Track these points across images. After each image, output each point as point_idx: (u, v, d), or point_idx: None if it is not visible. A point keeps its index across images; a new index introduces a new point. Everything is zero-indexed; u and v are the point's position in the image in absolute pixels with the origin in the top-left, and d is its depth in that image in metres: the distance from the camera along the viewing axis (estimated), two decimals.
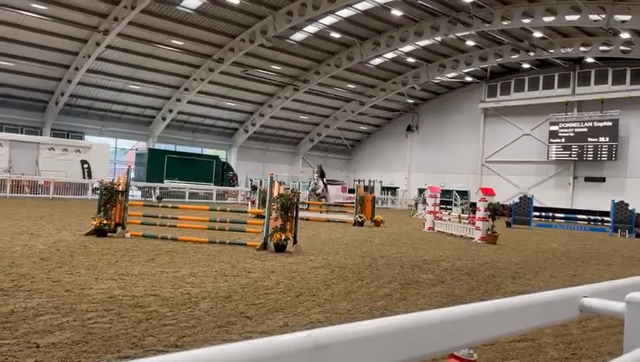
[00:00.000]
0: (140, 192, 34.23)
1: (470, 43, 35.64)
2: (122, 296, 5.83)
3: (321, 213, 23.07)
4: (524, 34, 32.73)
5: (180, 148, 42.01)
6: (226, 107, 42.22)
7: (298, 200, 11.46)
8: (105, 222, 11.60)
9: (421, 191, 38.21)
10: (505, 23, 30.08)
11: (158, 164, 36.12)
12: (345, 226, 19.50)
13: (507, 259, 11.79)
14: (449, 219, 19.84)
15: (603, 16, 27.03)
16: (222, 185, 38.31)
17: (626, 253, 15.14)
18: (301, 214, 14.96)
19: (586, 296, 1.37)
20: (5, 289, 5.83)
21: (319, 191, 26.15)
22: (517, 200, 27.53)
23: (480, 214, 16.18)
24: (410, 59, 39.09)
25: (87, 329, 4.50)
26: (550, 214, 30.69)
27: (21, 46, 29.90)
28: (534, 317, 1.27)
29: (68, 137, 36.20)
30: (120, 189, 12.21)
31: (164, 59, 34.20)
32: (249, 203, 26.82)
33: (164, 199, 28.81)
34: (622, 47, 32.08)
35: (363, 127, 51.42)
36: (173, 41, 32.17)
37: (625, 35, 29.76)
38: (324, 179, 27.00)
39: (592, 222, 29.30)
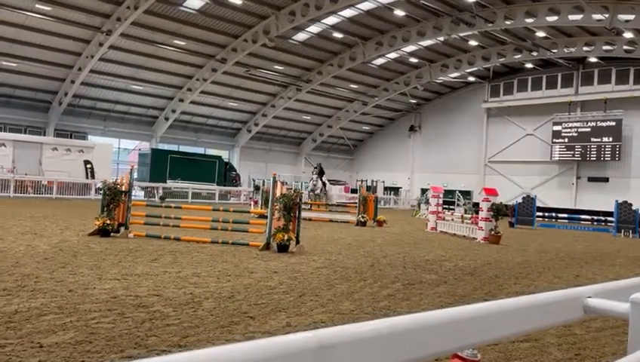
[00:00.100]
0: (143, 192, 34.27)
1: (473, 43, 35.58)
2: (125, 296, 5.84)
3: (316, 212, 22.74)
4: (527, 34, 32.67)
5: (183, 149, 42.05)
6: (228, 107, 42.26)
7: (301, 200, 11.47)
8: (108, 222, 11.62)
9: (424, 191, 38.22)
10: (508, 22, 30.02)
11: (161, 164, 36.18)
12: (347, 226, 19.49)
13: (510, 260, 11.77)
14: (452, 219, 19.81)
15: (606, 15, 26.96)
16: (224, 186, 38.35)
17: (629, 254, 15.10)
18: (303, 214, 14.98)
19: (590, 297, 1.37)
20: (9, 289, 5.85)
21: (317, 191, 25.06)
22: (520, 200, 27.49)
23: (483, 214, 16.16)
24: (413, 59, 39.05)
25: (91, 329, 4.51)
26: (553, 214, 30.63)
27: (25, 46, 30.00)
28: (538, 317, 1.27)
29: (71, 137, 36.30)
30: (123, 189, 12.23)
31: (167, 60, 34.26)
32: (252, 203, 26.86)
33: (167, 199, 28.84)
34: (625, 47, 31.99)
35: (366, 127, 51.40)
36: (176, 42, 32.22)
37: (628, 35, 29.67)
38: (324, 178, 25.84)
39: (595, 223, 29.24)
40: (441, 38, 33.63)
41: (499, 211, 16.13)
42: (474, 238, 16.23)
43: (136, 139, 42.29)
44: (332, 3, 28.20)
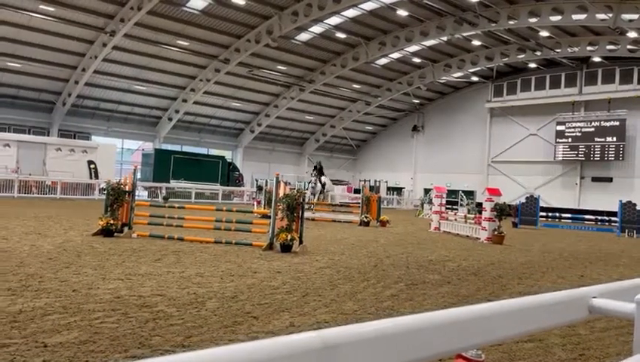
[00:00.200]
0: (146, 192, 34.35)
1: (476, 43, 35.52)
2: (129, 296, 5.85)
3: (314, 212, 22.31)
4: (530, 33, 32.59)
5: (186, 149, 42.13)
6: (232, 107, 42.31)
7: (304, 200, 11.47)
8: (112, 222, 11.65)
9: (427, 191, 38.16)
10: (511, 22, 29.96)
11: (164, 164, 36.25)
12: (351, 226, 19.49)
13: (514, 260, 11.74)
14: (455, 220, 19.78)
15: (610, 15, 26.89)
16: (228, 186, 38.40)
17: (634, 254, 15.05)
18: (306, 214, 14.97)
19: (595, 297, 1.37)
20: (13, 288, 5.87)
21: (316, 192, 23.81)
22: (523, 200, 27.43)
23: (486, 214, 16.13)
24: (416, 59, 39.01)
25: (95, 329, 4.52)
26: (557, 214, 30.58)
27: (29, 47, 30.09)
28: (543, 317, 1.27)
29: (75, 138, 36.42)
30: (127, 189, 12.26)
31: (171, 60, 34.32)
32: (255, 203, 26.87)
33: (170, 199, 28.90)
34: (629, 47, 31.89)
35: (369, 127, 51.37)
36: (179, 42, 32.27)
37: (632, 34, 29.57)
38: (323, 179, 24.36)
39: (599, 223, 29.18)
40: (445, 38, 33.58)
41: (502, 211, 16.09)
42: (477, 238, 16.20)
43: (140, 140, 42.38)
44: (335, 3, 28.20)
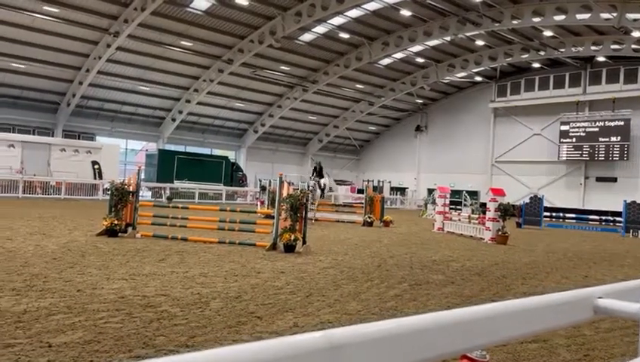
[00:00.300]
0: (150, 193, 34.43)
1: (480, 42, 35.45)
2: (133, 296, 5.86)
3: (322, 212, 22.18)
4: (534, 33, 32.50)
5: (190, 149, 42.20)
6: (235, 108, 42.35)
7: (307, 200, 11.46)
8: (116, 222, 11.68)
9: (430, 191, 38.09)
10: (515, 22, 29.88)
11: (168, 164, 36.34)
12: (354, 227, 19.48)
13: (518, 260, 11.71)
14: (459, 220, 19.76)
15: (614, 14, 26.78)
16: (231, 186, 38.44)
17: (638, 254, 14.99)
18: (309, 215, 14.97)
19: (600, 297, 1.36)
20: (18, 288, 5.89)
21: (316, 198, 21.35)
22: (527, 200, 27.35)
23: (490, 214, 16.09)
24: (420, 59, 38.96)
25: (99, 329, 4.53)
26: (561, 214, 30.46)
27: (33, 48, 30.19)
28: (548, 318, 1.26)
29: (79, 138, 36.53)
30: (130, 190, 12.29)
31: (174, 61, 34.38)
32: (258, 203, 26.88)
33: (174, 199, 28.95)
34: (633, 46, 31.76)
35: (372, 128, 51.34)
36: (183, 43, 32.32)
37: (636, 34, 29.45)
38: (322, 181, 22.23)
39: (603, 223, 29.05)
40: (448, 38, 33.53)
41: (506, 211, 16.06)
42: (481, 239, 16.17)
43: (144, 140, 42.48)
44: (338, 3, 28.19)
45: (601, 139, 37.52)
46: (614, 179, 37.49)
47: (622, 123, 36.61)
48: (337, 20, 32.18)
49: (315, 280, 7.59)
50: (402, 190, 48.31)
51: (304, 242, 10.91)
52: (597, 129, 37.76)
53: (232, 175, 39.54)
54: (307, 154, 50.46)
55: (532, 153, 41.44)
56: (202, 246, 10.70)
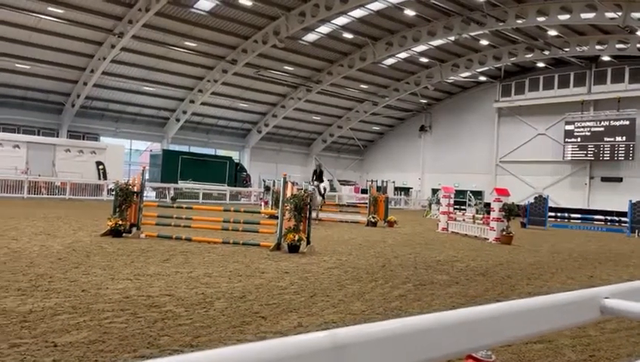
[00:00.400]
0: (154, 193, 34.53)
1: (484, 42, 35.36)
2: (138, 296, 5.87)
3: (326, 212, 21.74)
4: (538, 32, 32.40)
5: (194, 150, 42.27)
6: (239, 108, 42.41)
7: (311, 200, 11.46)
8: (120, 222, 11.71)
9: (435, 191, 38.05)
10: (519, 21, 29.80)
11: (172, 165, 36.42)
12: (358, 227, 19.47)
13: (522, 260, 11.68)
14: (463, 220, 19.70)
15: (619, 13, 26.66)
16: (235, 186, 38.49)
17: None
18: (313, 214, 14.97)
19: (607, 297, 1.35)
20: (23, 289, 5.92)
21: (317, 205, 19.03)
22: (532, 200, 27.26)
23: (494, 214, 16.06)
24: (424, 59, 38.90)
25: (104, 329, 4.54)
26: (566, 214, 30.36)
27: (38, 49, 30.33)
28: (554, 318, 1.26)
29: (84, 139, 36.67)
30: (135, 190, 12.32)
31: (178, 61, 34.46)
32: (262, 203, 26.91)
33: (178, 200, 29.02)
34: (639, 45, 31.59)
35: (376, 128, 51.30)
36: (187, 43, 32.39)
37: None
38: (322, 186, 20.24)
39: (609, 223, 28.94)
40: (452, 38, 33.45)
41: (510, 211, 16.01)
42: (485, 239, 16.13)
43: (148, 141, 42.58)
44: (342, 3, 28.19)
45: (606, 138, 37.35)
46: (620, 179, 37.32)
47: (627, 122, 36.44)
48: (341, 20, 32.18)
49: (320, 281, 7.59)
50: (406, 190, 48.25)
51: (308, 242, 10.91)
52: (602, 129, 37.60)
53: (236, 175, 39.59)
54: (311, 154, 50.47)
55: (537, 153, 41.30)
56: (206, 247, 10.72)
